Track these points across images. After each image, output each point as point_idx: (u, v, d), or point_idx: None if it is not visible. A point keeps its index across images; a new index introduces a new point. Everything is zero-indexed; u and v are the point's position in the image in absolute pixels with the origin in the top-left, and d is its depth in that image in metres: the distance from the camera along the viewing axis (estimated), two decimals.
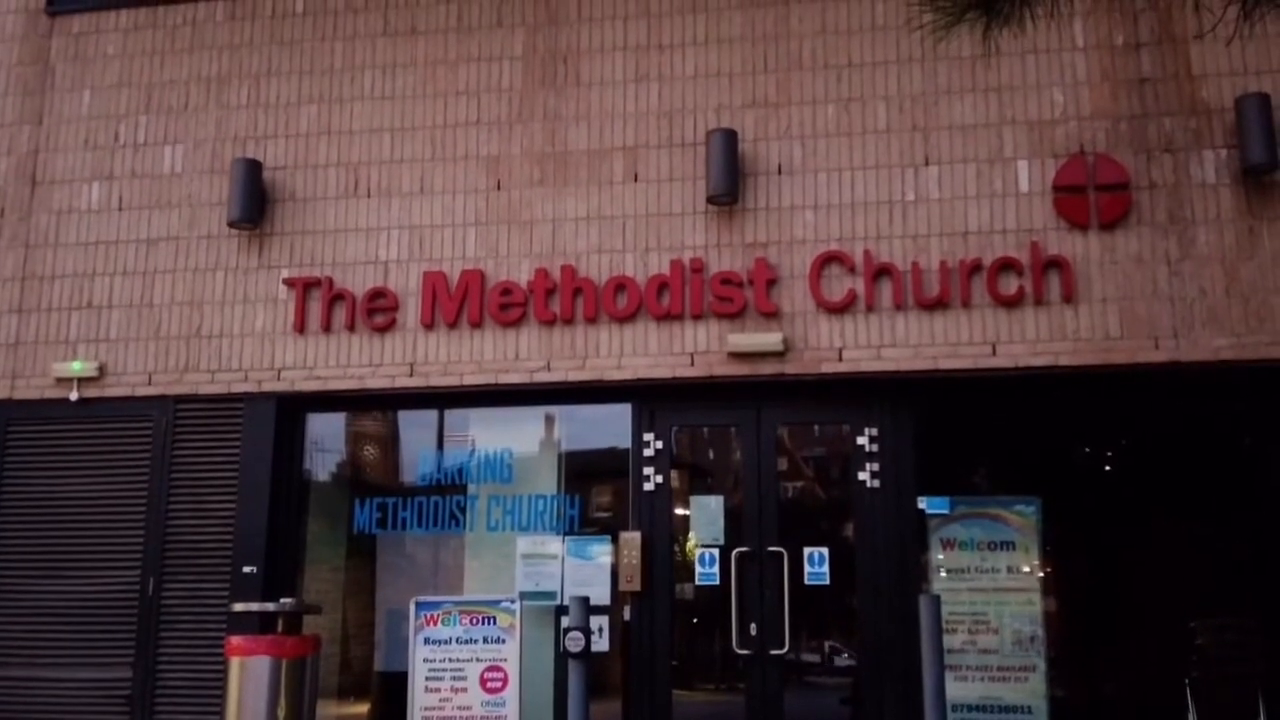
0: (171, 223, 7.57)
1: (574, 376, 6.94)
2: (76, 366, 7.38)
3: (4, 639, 7.17)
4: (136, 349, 7.41)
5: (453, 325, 7.10)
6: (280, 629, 6.24)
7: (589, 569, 6.93)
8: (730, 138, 6.88)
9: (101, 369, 7.39)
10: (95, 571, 7.14)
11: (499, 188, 7.27)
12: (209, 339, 7.34)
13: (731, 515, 6.89)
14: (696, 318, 6.87)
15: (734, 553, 6.71)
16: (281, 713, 6.04)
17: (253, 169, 7.36)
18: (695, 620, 7.16)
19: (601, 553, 6.96)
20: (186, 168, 7.64)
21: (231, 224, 7.34)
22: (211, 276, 7.43)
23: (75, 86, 7.92)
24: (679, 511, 7.02)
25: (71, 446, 7.35)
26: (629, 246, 7.04)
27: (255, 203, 7.33)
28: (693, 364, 6.83)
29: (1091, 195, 6.64)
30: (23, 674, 7.08)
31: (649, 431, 6.98)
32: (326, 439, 7.58)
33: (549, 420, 7.46)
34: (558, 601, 6.89)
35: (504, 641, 6.37)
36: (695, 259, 6.92)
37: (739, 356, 6.77)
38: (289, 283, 7.31)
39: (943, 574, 6.79)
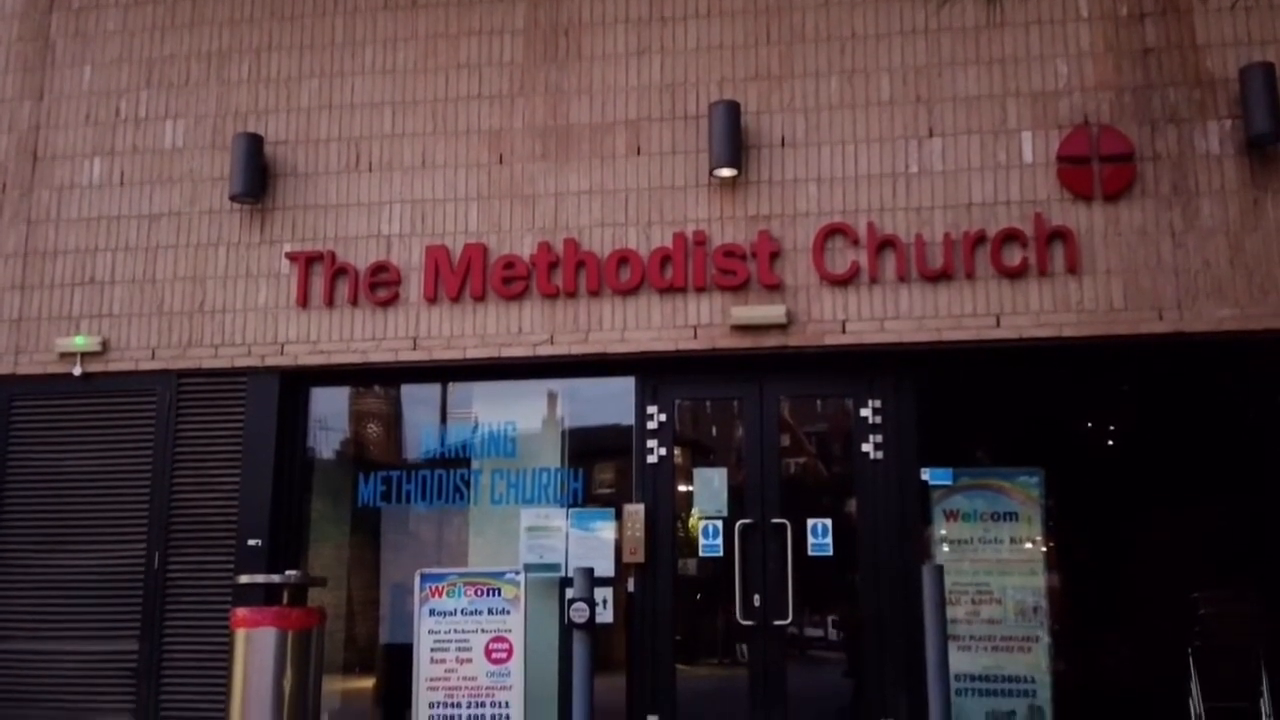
0: (173, 198, 7.55)
1: (577, 350, 6.94)
2: (79, 341, 7.38)
3: (12, 613, 7.20)
4: (139, 324, 7.41)
5: (455, 299, 7.09)
6: (285, 601, 6.26)
7: (593, 542, 6.95)
8: (733, 110, 6.86)
9: (105, 344, 7.39)
10: (101, 546, 7.16)
11: (501, 162, 7.26)
12: (212, 314, 7.34)
13: (734, 488, 6.90)
14: (699, 291, 6.86)
15: (738, 524, 6.72)
16: (287, 684, 6.07)
17: (254, 144, 7.34)
18: (698, 594, 7.18)
19: (605, 526, 6.98)
20: (188, 143, 7.62)
21: (233, 199, 7.33)
22: (214, 251, 7.43)
23: (76, 62, 7.90)
24: (682, 488, 7.03)
25: (76, 421, 7.36)
26: (631, 220, 7.03)
27: (257, 177, 7.32)
28: (696, 337, 6.83)
29: (1095, 166, 6.63)
30: (30, 647, 7.11)
31: (652, 404, 6.98)
32: (330, 414, 7.58)
33: (552, 397, 7.47)
34: (562, 574, 6.91)
35: (509, 613, 6.39)
36: (698, 232, 6.91)
37: (742, 329, 6.77)
38: (291, 257, 7.31)
39: (945, 546, 6.80)
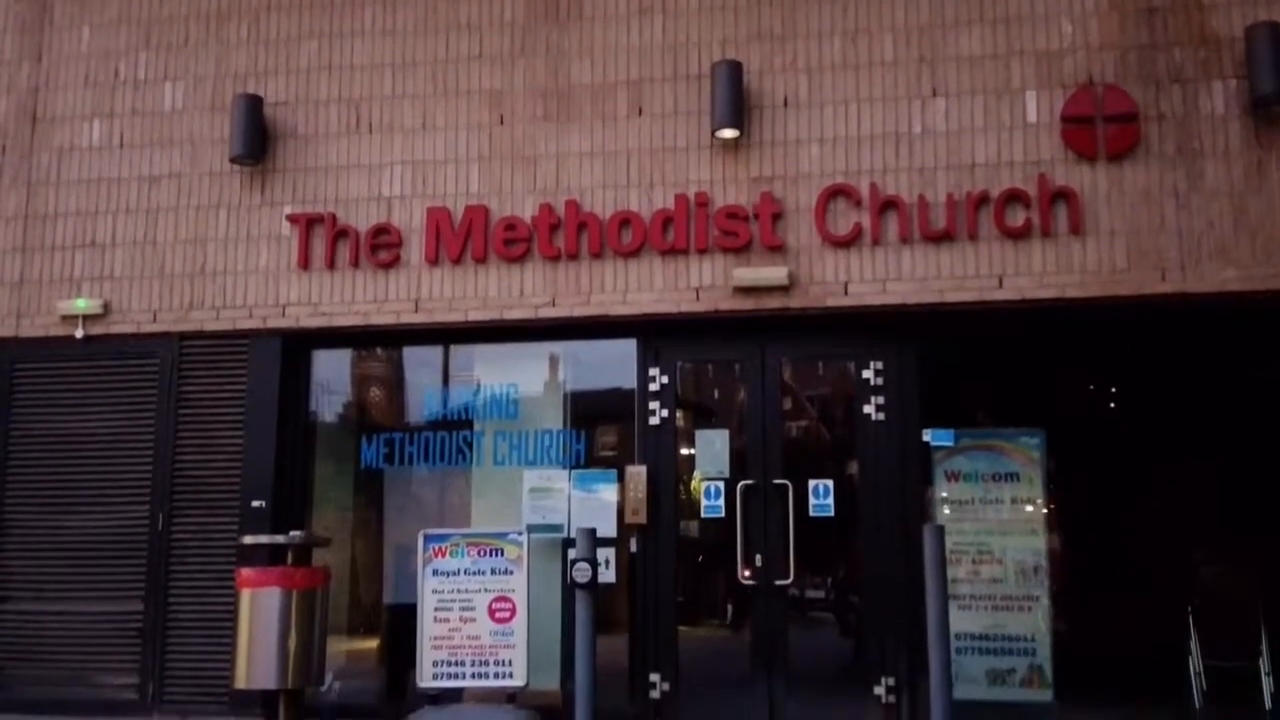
0: (173, 160, 7.52)
1: (579, 312, 6.94)
2: (81, 304, 7.38)
3: (17, 574, 7.24)
4: (141, 286, 7.40)
5: (457, 261, 7.08)
6: (290, 561, 6.29)
7: (595, 503, 6.98)
8: (735, 70, 6.81)
9: (106, 306, 7.39)
10: (105, 507, 7.19)
11: (502, 123, 7.22)
12: (213, 276, 7.33)
13: (736, 449, 6.91)
14: (702, 253, 6.85)
15: (740, 485, 6.74)
16: (291, 644, 6.11)
17: (253, 105, 7.31)
18: (700, 555, 7.21)
19: (607, 487, 7.00)
20: (187, 104, 7.58)
21: (233, 160, 7.30)
22: (214, 213, 7.41)
23: (74, 23, 7.84)
24: (684, 450, 7.04)
25: (78, 384, 7.37)
26: (633, 181, 7.00)
27: (257, 139, 7.29)
28: (698, 299, 6.82)
29: (1099, 127, 6.59)
30: (36, 608, 7.16)
31: (654, 366, 6.99)
32: (333, 377, 7.59)
33: (554, 359, 7.47)
34: (564, 534, 6.94)
35: (512, 573, 6.42)
36: (700, 193, 6.89)
37: (744, 291, 6.76)
38: (292, 219, 7.29)
39: (946, 507, 6.82)
